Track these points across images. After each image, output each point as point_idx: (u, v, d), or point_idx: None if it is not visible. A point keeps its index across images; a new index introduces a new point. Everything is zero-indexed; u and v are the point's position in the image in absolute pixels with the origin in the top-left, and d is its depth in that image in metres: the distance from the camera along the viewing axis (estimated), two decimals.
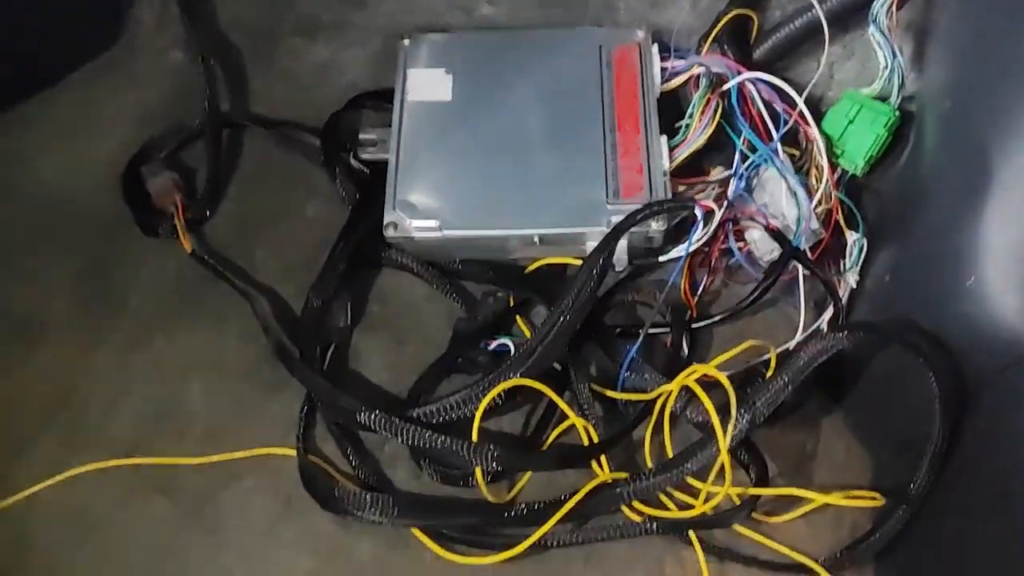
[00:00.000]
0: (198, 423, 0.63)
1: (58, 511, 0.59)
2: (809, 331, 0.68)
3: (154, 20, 0.73)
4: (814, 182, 0.69)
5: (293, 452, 0.61)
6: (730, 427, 0.54)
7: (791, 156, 0.71)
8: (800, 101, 0.68)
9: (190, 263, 0.69)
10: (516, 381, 0.59)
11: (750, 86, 0.71)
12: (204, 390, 0.64)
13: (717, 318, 0.68)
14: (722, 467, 0.55)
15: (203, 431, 0.62)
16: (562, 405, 0.61)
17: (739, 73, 0.71)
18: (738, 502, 0.58)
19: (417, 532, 0.58)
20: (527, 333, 0.68)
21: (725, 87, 0.71)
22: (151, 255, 0.70)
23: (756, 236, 0.69)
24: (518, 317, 0.69)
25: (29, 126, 0.68)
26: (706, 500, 0.57)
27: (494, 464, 0.58)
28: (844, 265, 0.69)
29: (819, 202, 0.69)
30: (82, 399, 0.63)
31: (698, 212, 0.64)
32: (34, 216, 0.69)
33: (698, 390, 0.58)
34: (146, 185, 0.71)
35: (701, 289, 0.71)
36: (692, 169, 0.72)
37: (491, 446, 0.57)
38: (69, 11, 0.64)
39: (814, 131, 0.69)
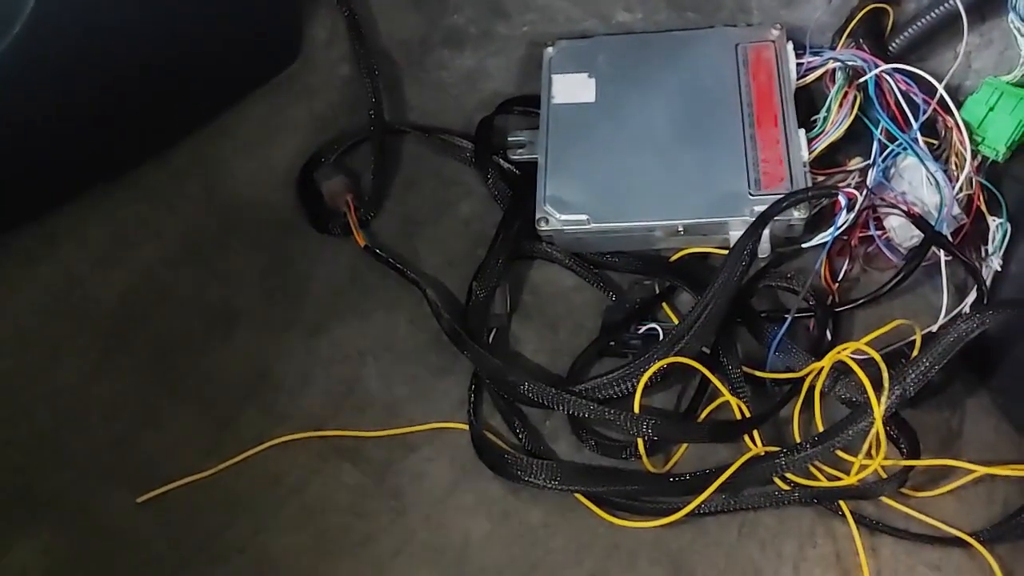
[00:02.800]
0: (377, 400, 0.71)
1: (262, 476, 0.68)
2: (952, 315, 0.71)
3: (326, 39, 0.83)
4: (954, 169, 0.73)
5: (464, 426, 0.69)
6: (884, 398, 0.59)
7: (929, 145, 0.75)
8: (940, 88, 0.72)
9: (362, 257, 0.78)
10: (674, 359, 0.65)
11: (887, 77, 0.75)
12: (380, 371, 0.73)
13: (860, 301, 0.72)
14: (874, 440, 0.59)
15: (381, 407, 0.71)
16: (716, 382, 0.67)
17: (876, 65, 0.75)
18: (886, 476, 0.62)
19: (581, 498, 0.65)
20: (674, 319, 0.74)
21: (862, 79, 0.75)
22: (326, 250, 0.79)
23: (896, 223, 0.73)
24: (664, 304, 0.75)
25: (223, 136, 0.78)
26: (858, 472, 0.61)
27: (652, 434, 0.64)
28: (987, 250, 0.72)
29: (960, 188, 0.72)
30: (275, 378, 0.72)
31: (842, 199, 0.68)
32: (226, 216, 0.79)
33: (853, 364, 0.62)
34: (320, 187, 0.80)
35: (842, 275, 0.75)
36: (829, 162, 0.77)
37: (651, 417, 0.63)
38: (259, 34, 0.74)
39: (955, 118, 0.73)
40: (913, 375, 0.59)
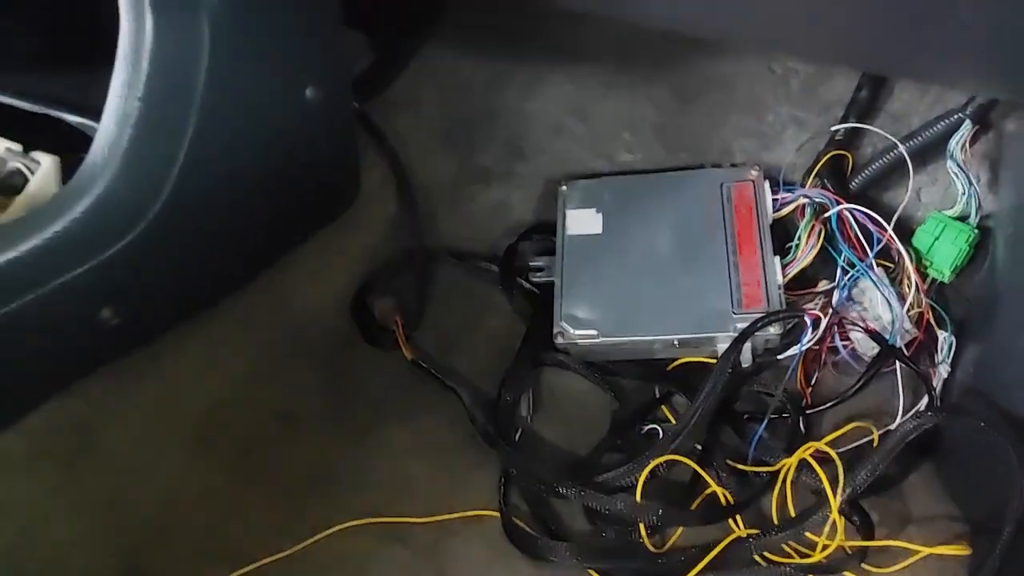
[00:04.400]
0: (422, 490, 0.86)
1: (331, 555, 0.83)
2: (908, 415, 0.85)
3: (378, 184, 1.00)
4: (907, 289, 0.88)
5: (497, 513, 0.83)
6: (839, 491, 0.73)
7: (886, 268, 0.90)
8: (889, 228, 0.87)
9: (407, 367, 0.93)
10: (671, 456, 0.79)
11: (847, 213, 0.91)
12: (424, 465, 0.88)
13: (828, 405, 0.86)
14: (834, 524, 0.73)
15: (426, 496, 0.86)
16: (705, 475, 0.81)
17: (837, 203, 0.91)
18: (849, 553, 0.76)
19: (594, 574, 0.79)
20: (671, 419, 0.89)
21: (826, 214, 0.91)
22: (377, 362, 0.95)
23: (858, 336, 0.88)
24: (663, 406, 0.90)
25: (292, 266, 0.95)
26: (822, 550, 0.75)
27: (656, 521, 0.78)
28: (937, 359, 0.86)
29: (912, 306, 0.87)
30: (337, 472, 0.88)
31: (807, 320, 0.84)
32: (293, 334, 0.95)
33: (814, 463, 0.77)
34: (371, 308, 0.97)
35: (814, 380, 0.89)
36: (802, 282, 0.92)
37: (654, 506, 0.78)
38: (330, 186, 0.91)
39: (903, 248, 0.88)
40: (863, 472, 0.74)
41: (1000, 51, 0.59)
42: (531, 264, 0.98)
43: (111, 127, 0.64)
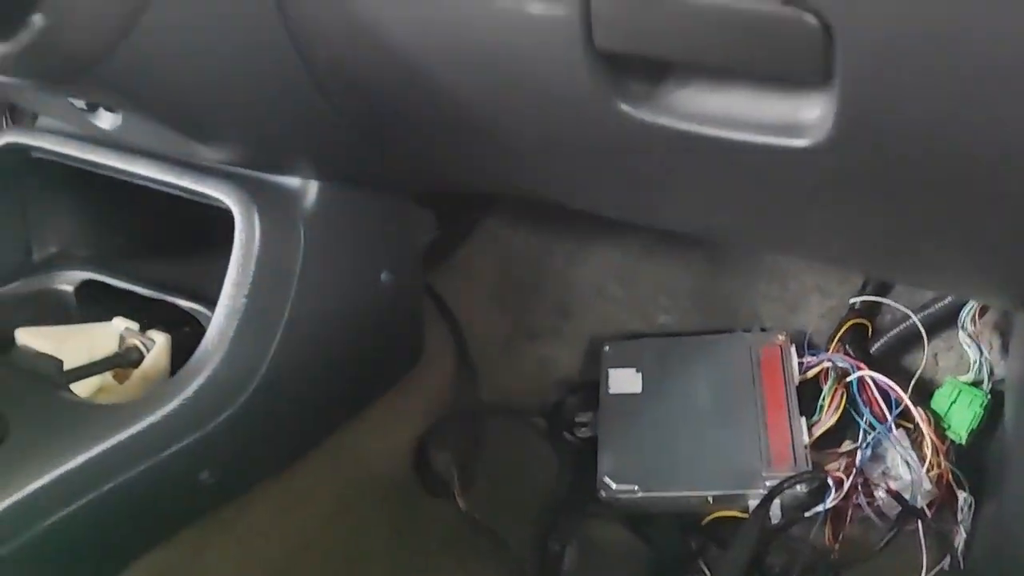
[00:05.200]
0: None
1: None
2: (933, 571, 0.91)
3: (438, 343, 1.12)
4: (926, 450, 0.95)
5: None
6: None
7: (906, 429, 0.97)
8: (906, 395, 0.96)
9: (463, 517, 1.02)
10: None
11: (868, 378, 0.99)
12: None
13: (855, 561, 0.93)
14: None
15: None
16: None
17: (859, 368, 0.99)
18: None
19: None
20: (706, 572, 0.96)
21: (849, 379, 1.00)
22: (436, 511, 1.04)
23: (881, 495, 0.95)
24: (699, 559, 0.97)
25: (360, 425, 1.06)
26: None
27: None
28: (958, 517, 0.93)
29: (931, 466, 0.94)
30: None
31: (830, 481, 0.91)
32: (360, 486, 1.06)
33: None
34: (432, 461, 1.07)
35: (841, 536, 0.96)
36: (828, 441, 1.00)
37: None
38: (400, 351, 1.03)
39: (922, 412, 0.96)
40: None
41: (997, 268, 0.68)
42: (576, 420, 1.07)
43: (222, 320, 0.76)
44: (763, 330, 1.09)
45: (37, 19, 0.52)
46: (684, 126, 0.55)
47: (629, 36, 0.51)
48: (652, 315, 1.15)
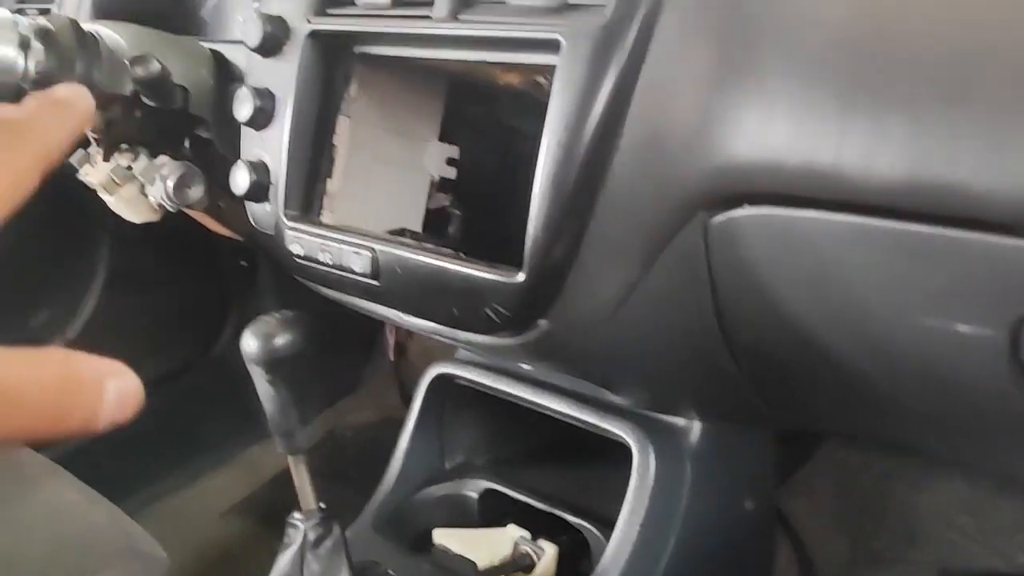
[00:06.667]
0: None
1: None
2: None
3: (783, 563, 1.17)
4: None
5: None
6: None
7: None
8: None
9: None
10: None
11: None
12: None
13: None
14: None
15: None
16: None
17: None
18: None
19: None
20: None
21: None
22: None
23: None
24: None
25: None
26: None
27: None
28: None
29: None
30: None
31: None
32: None
33: None
34: None
35: None
36: None
37: None
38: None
39: None
40: None
41: None
42: None
43: (616, 546, 0.88)
44: None
45: (543, 323, 0.69)
46: None
47: None
48: (1013, 553, 1.12)
